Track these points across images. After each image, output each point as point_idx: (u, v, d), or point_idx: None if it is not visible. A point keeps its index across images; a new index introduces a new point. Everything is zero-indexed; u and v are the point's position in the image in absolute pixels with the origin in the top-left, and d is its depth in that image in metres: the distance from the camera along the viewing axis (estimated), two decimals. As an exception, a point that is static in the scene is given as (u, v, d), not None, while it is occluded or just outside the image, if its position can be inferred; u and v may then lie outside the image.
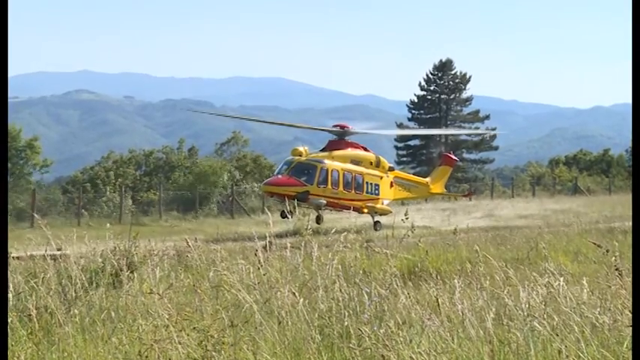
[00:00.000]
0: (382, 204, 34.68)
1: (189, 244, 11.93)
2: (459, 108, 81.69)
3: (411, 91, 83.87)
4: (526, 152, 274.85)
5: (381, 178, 34.88)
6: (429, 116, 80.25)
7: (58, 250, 13.08)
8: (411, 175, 41.81)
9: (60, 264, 11.42)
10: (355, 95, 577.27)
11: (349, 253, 10.86)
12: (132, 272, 11.11)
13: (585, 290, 8.52)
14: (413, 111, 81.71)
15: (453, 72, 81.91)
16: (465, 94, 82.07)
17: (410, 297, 8.61)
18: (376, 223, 33.97)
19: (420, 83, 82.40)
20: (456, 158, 42.81)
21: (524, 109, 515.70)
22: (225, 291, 9.17)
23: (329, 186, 32.55)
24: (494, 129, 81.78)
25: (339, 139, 34.42)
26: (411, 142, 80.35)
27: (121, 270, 10.90)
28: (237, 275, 9.55)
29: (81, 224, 39.91)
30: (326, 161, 32.74)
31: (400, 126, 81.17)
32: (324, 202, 32.50)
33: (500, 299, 8.44)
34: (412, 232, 13.48)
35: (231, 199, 50.88)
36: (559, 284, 8.29)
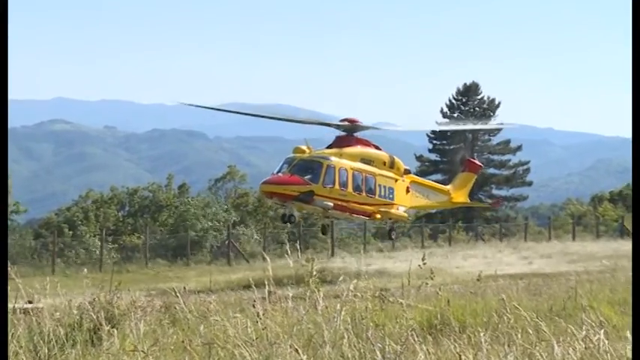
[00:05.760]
0: (397, 210, 34.41)
1: (178, 294, 11.99)
2: (486, 137, 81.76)
3: (431, 119, 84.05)
4: (564, 188, 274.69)
5: (396, 181, 34.52)
6: (452, 147, 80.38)
7: (29, 302, 13.15)
8: (431, 181, 41.48)
9: (32, 318, 11.48)
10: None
11: (360, 303, 10.91)
12: (113, 327, 11.15)
13: (629, 345, 8.52)
14: (434, 141, 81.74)
15: (479, 97, 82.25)
16: (493, 122, 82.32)
17: (429, 354, 8.64)
18: (391, 231, 34.26)
19: (442, 110, 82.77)
20: (480, 164, 42.72)
21: (561, 138, 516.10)
22: (220, 348, 9.22)
23: (336, 186, 32.02)
24: (527, 162, 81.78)
25: (348, 135, 34.03)
26: (433, 177, 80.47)
27: (101, 325, 10.96)
28: (233, 330, 9.61)
29: (56, 272, 40.00)
30: (333, 158, 32.38)
31: (420, 158, 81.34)
32: (331, 204, 31.96)
33: (533, 356, 8.47)
34: (432, 278, 13.54)
35: (227, 243, 50.98)
36: (599, 339, 8.31)
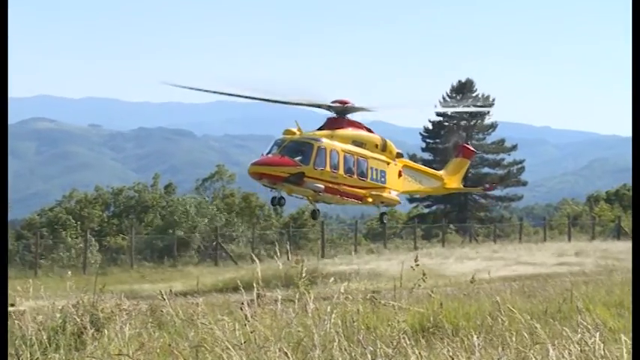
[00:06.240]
0: (389, 194, 34.64)
1: (164, 297, 11.98)
2: (480, 136, 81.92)
3: (424, 117, 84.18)
4: (560, 187, 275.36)
5: (388, 164, 34.73)
6: (446, 145, 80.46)
7: (11, 305, 13.14)
8: (424, 167, 41.55)
9: (13, 322, 11.46)
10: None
11: (351, 305, 10.92)
12: (97, 331, 11.15)
13: (626, 348, 8.55)
14: (427, 139, 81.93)
15: (474, 94, 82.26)
16: (488, 120, 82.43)
17: (422, 357, 8.65)
18: (382, 215, 34.53)
19: (435, 107, 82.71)
20: (473, 149, 42.80)
21: (557, 137, 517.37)
22: (207, 351, 9.22)
23: (327, 168, 32.14)
24: (522, 161, 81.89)
25: (339, 117, 34.16)
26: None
27: (85, 328, 10.95)
28: (221, 333, 9.61)
29: (38, 275, 39.92)
30: (324, 140, 32.46)
31: (413, 157, 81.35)
32: (322, 186, 32.05)
33: (527, 359, 8.49)
34: (424, 280, 13.56)
35: (215, 244, 50.95)
36: (594, 341, 8.33)
